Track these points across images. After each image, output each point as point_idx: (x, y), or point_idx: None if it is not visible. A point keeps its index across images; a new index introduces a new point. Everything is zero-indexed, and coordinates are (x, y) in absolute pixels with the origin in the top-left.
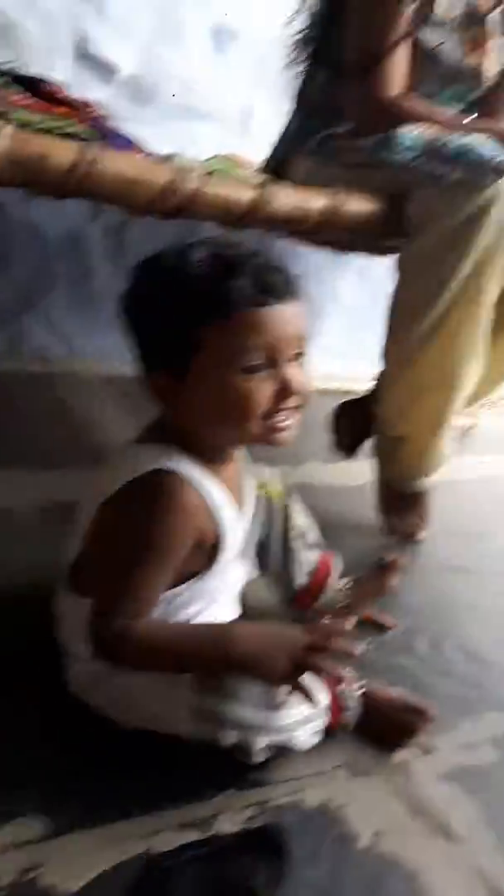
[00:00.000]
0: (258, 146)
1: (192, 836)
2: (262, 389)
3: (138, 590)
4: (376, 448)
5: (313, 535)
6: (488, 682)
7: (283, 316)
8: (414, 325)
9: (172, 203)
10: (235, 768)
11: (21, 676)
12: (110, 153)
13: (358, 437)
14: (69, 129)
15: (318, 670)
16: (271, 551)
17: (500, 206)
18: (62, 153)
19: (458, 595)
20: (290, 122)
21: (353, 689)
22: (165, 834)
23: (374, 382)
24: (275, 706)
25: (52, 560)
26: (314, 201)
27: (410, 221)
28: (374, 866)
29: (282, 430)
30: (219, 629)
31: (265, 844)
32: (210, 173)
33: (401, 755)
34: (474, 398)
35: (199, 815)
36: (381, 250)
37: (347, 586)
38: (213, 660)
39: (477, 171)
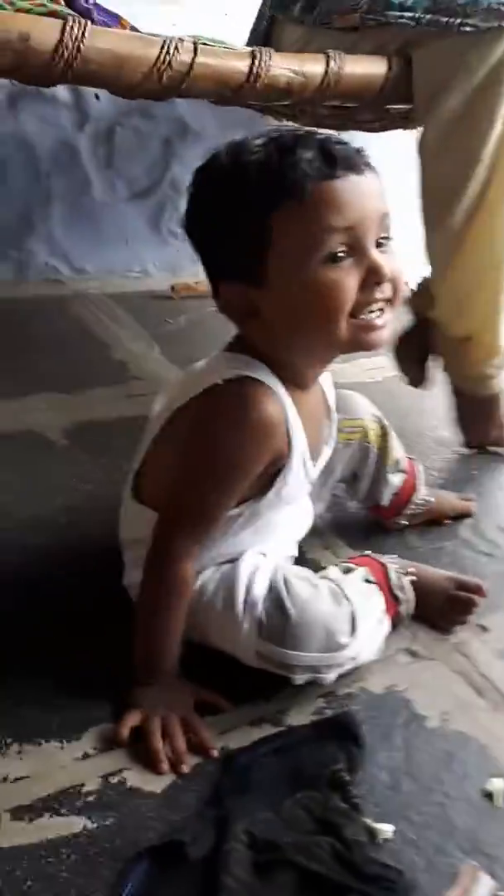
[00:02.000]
0: (237, 33)
1: (266, 730)
2: (349, 280)
3: (207, 507)
4: (443, 356)
5: (402, 457)
6: None
7: (360, 188)
8: (452, 207)
9: (167, 79)
10: None
11: (72, 590)
12: (97, 30)
13: (422, 363)
14: (49, 7)
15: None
16: (361, 482)
17: None
18: (46, 31)
19: (494, 478)
20: None
21: (404, 580)
22: (238, 731)
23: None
24: (339, 646)
25: (83, 479)
26: (313, 66)
27: (420, 88)
28: (446, 744)
29: (376, 328)
30: (172, 652)
31: (337, 732)
32: (200, 44)
33: (458, 636)
34: None
35: (269, 711)
36: (385, 123)
37: (428, 498)
38: (144, 653)
39: (495, 15)
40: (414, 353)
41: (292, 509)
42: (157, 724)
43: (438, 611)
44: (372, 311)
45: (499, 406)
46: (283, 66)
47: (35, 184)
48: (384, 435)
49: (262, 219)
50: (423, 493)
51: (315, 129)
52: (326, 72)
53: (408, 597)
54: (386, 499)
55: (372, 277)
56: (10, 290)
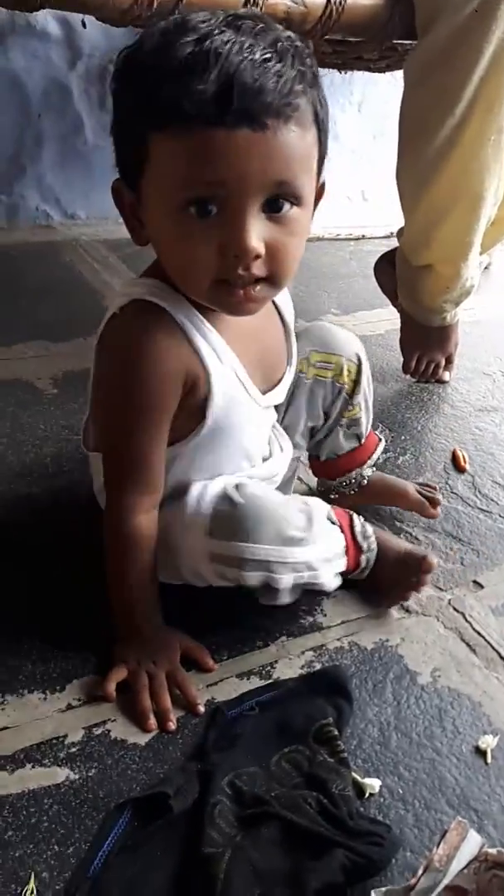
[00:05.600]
0: None
1: (254, 682)
2: (203, 242)
3: (135, 449)
4: (400, 280)
5: (366, 420)
6: None
7: (248, 146)
8: (428, 140)
9: (158, 4)
10: (286, 618)
11: (58, 541)
12: None
13: None
14: None
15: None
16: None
17: None
18: None
19: (491, 434)
20: None
21: (368, 528)
22: (226, 683)
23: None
24: (291, 540)
25: (72, 429)
26: None
27: (418, 20)
28: (438, 700)
29: (234, 301)
30: (149, 604)
31: (326, 686)
32: None
33: (452, 592)
34: (495, 234)
35: (257, 664)
36: (391, 62)
37: (369, 475)
38: (120, 609)
39: None
40: (393, 275)
41: (250, 445)
42: (143, 679)
43: (389, 578)
44: (234, 281)
45: (448, 338)
46: None
47: (25, 125)
48: (356, 381)
49: (143, 131)
50: (365, 471)
51: (254, 40)
52: (329, 1)
53: (371, 547)
54: (324, 454)
55: (229, 249)
56: (0, 236)
